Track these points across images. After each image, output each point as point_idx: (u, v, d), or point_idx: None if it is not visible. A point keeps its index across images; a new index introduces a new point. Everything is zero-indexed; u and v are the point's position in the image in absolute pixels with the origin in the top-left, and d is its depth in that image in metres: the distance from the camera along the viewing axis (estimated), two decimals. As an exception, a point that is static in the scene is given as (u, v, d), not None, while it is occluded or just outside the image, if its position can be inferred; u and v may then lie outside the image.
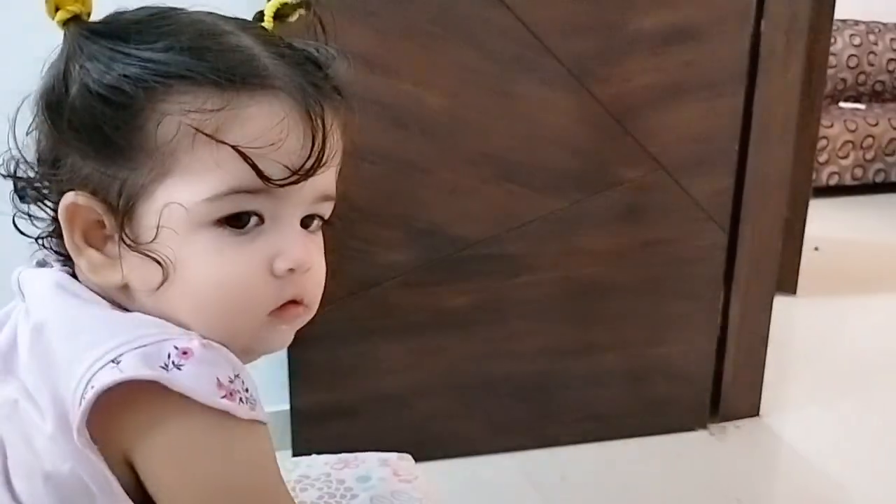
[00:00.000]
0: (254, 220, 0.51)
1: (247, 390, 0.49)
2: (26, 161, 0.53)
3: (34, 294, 0.52)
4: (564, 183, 1.48)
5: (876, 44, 4.23)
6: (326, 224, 0.57)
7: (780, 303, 1.77)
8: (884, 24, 4.26)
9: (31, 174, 0.53)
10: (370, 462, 0.74)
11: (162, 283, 0.50)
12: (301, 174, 0.49)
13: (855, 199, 3.82)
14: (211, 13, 0.53)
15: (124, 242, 0.50)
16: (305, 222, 0.54)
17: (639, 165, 1.50)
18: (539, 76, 1.42)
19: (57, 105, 0.49)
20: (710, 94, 1.51)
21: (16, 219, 0.54)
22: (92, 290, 0.52)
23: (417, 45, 1.36)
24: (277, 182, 0.49)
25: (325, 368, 1.44)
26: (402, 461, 0.75)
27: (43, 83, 0.50)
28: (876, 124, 3.83)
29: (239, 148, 0.47)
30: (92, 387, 0.45)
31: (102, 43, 0.49)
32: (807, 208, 2.42)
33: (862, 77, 4.24)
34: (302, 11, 0.58)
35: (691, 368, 1.68)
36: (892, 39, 4.27)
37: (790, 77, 1.56)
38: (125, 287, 0.51)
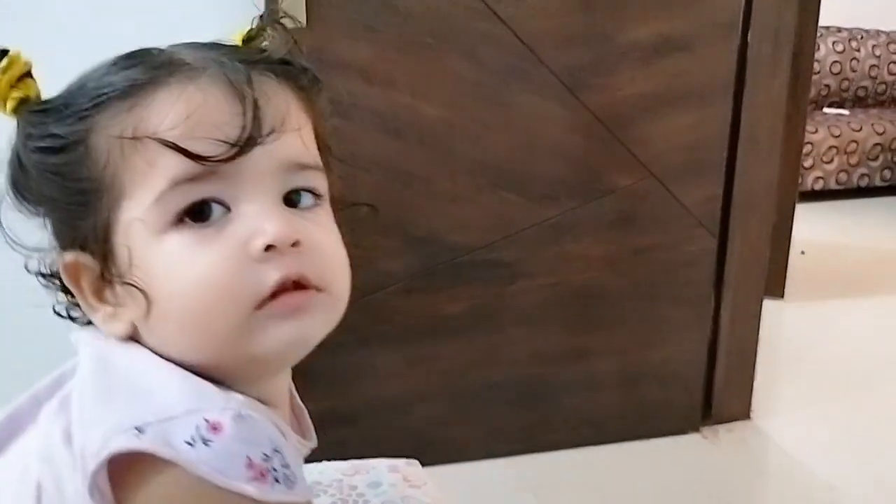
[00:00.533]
0: (217, 209, 0.47)
1: (286, 467, 0.46)
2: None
3: (81, 354, 0.52)
4: (558, 191, 1.51)
5: (858, 50, 4.29)
6: (340, 205, 0.53)
7: (768, 306, 1.80)
8: (866, 31, 4.32)
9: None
10: (380, 468, 0.76)
11: (148, 309, 0.48)
12: (235, 144, 0.46)
13: (839, 204, 3.87)
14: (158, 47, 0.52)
15: (107, 280, 0.49)
16: (291, 199, 0.50)
17: (630, 173, 1.53)
18: (533, 87, 1.44)
19: (19, 182, 0.50)
20: (699, 104, 1.54)
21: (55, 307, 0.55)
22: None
23: (414, 58, 1.38)
24: (212, 158, 0.45)
25: (323, 375, 1.45)
26: (410, 467, 0.77)
27: (5, 174, 0.50)
28: (860, 129, 3.89)
29: (156, 136, 0.46)
30: (108, 447, 0.44)
31: (38, 111, 0.50)
32: (793, 213, 2.46)
33: (845, 83, 4.30)
34: (270, 32, 0.55)
35: (683, 372, 1.71)
36: (874, 46, 4.34)
37: (777, 86, 1.60)
38: (135, 332, 0.50)
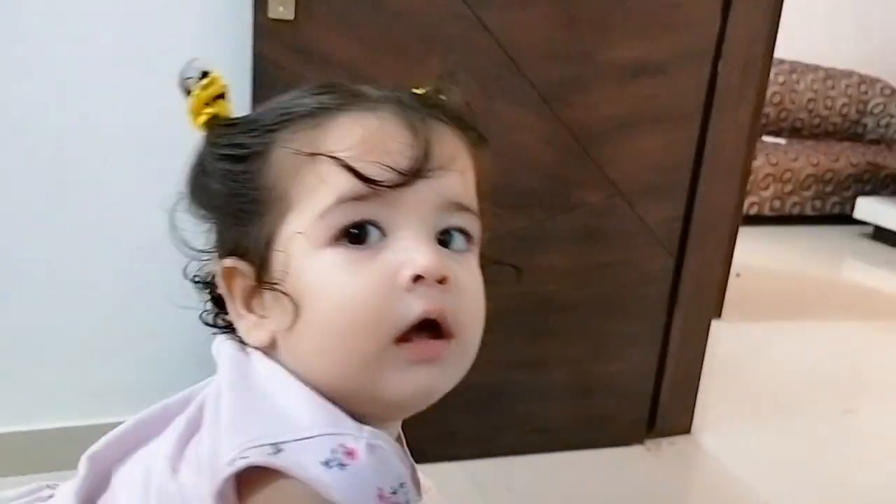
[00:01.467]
0: (374, 233, 0.49)
1: (407, 502, 0.47)
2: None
3: (220, 364, 0.53)
4: (528, 202, 1.53)
5: (798, 82, 4.48)
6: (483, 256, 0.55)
7: (711, 326, 1.87)
8: (806, 65, 4.51)
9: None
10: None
11: (294, 320, 0.49)
12: (404, 172, 0.48)
13: (773, 230, 4.02)
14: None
15: (262, 286, 0.51)
16: (445, 239, 0.51)
17: (598, 190, 1.57)
18: (512, 97, 1.46)
19: (199, 187, 0.53)
20: (668, 127, 1.59)
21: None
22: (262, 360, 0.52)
23: (399, 59, 1.39)
24: (380, 182, 0.47)
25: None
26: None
27: (187, 179, 0.54)
28: (796, 159, 4.05)
29: (333, 154, 0.48)
30: (244, 458, 0.45)
31: (226, 128, 0.53)
32: (736, 237, 2.55)
33: (784, 113, 4.48)
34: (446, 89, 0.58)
35: (633, 386, 1.75)
36: (812, 80, 4.52)
37: (741, 116, 1.66)
38: (273, 346, 0.52)
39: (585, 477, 1.66)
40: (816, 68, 4.55)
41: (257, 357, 0.52)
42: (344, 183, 0.48)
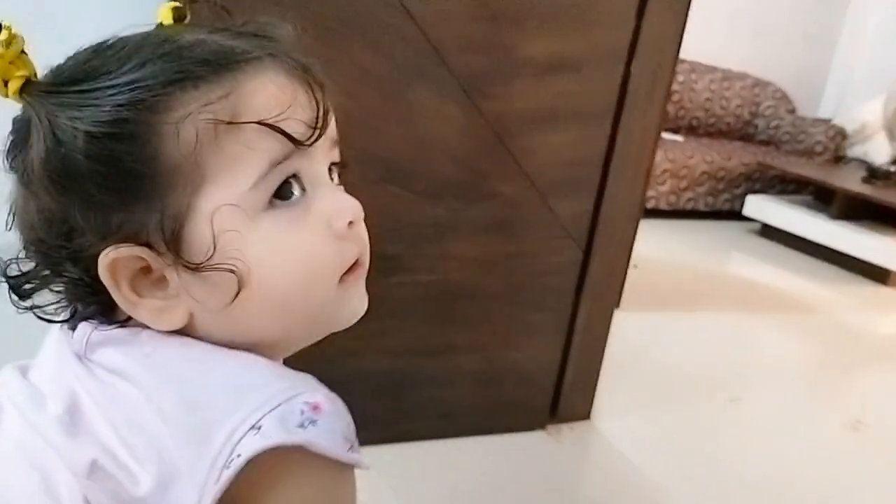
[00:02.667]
0: (297, 189, 0.51)
1: (356, 437, 0.51)
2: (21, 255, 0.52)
3: (115, 362, 0.50)
4: (445, 191, 1.55)
5: (696, 82, 4.66)
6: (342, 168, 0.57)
7: (615, 317, 1.94)
8: (704, 65, 4.70)
9: (34, 262, 0.51)
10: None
11: (237, 294, 0.49)
12: (320, 126, 0.50)
13: (668, 223, 4.19)
14: (136, 32, 0.51)
15: (187, 269, 0.48)
16: (330, 175, 0.54)
17: (513, 182, 1.60)
18: (433, 87, 1.47)
19: (64, 170, 0.46)
20: (581, 123, 1.64)
21: (37, 311, 0.52)
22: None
23: (319, 42, 1.36)
24: (308, 141, 0.50)
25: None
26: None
27: (31, 159, 0.47)
28: (692, 157, 4.22)
29: (264, 121, 0.48)
30: (238, 455, 0.46)
31: (71, 91, 0.46)
32: (637, 229, 2.64)
33: (682, 112, 4.65)
34: (196, 6, 0.57)
35: (537, 374, 1.80)
36: (710, 80, 4.71)
37: (650, 116, 1.72)
38: (188, 324, 0.51)
39: (489, 461, 1.70)
40: (714, 69, 4.75)
41: (166, 344, 0.51)
42: (275, 147, 0.49)
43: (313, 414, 0.48)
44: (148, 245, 0.49)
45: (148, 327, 0.51)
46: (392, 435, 1.66)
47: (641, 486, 1.71)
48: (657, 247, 3.61)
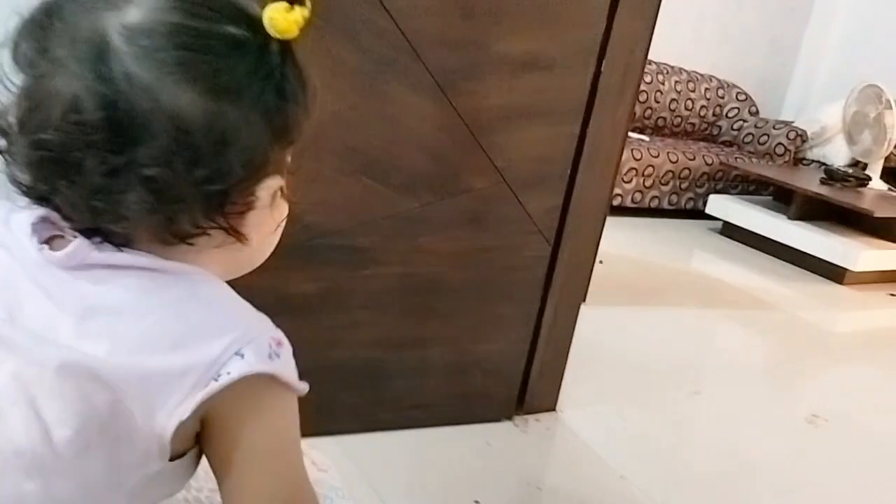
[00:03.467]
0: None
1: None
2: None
3: (110, 285, 0.57)
4: (418, 184, 1.57)
5: (663, 83, 4.73)
6: None
7: (581, 311, 1.99)
8: (671, 67, 4.77)
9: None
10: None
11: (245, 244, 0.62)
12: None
13: (633, 220, 4.25)
14: None
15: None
16: None
17: (485, 177, 1.63)
18: (408, 81, 1.49)
19: (280, 105, 0.58)
20: (553, 121, 1.67)
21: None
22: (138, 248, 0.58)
23: (298, 35, 1.38)
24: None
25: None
26: (313, 450, 0.80)
27: (272, 102, 0.57)
28: (657, 156, 4.29)
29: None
30: (228, 373, 0.55)
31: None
32: (603, 225, 2.69)
33: (648, 112, 4.72)
34: None
35: (505, 366, 1.84)
36: (676, 82, 4.79)
37: (620, 113, 1.76)
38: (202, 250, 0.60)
39: (457, 451, 1.73)
40: (681, 71, 4.83)
41: (156, 261, 0.58)
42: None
43: (278, 348, 0.58)
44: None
45: (134, 253, 0.58)
46: (365, 425, 1.68)
47: (605, 476, 1.76)
48: (622, 243, 3.67)
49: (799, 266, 3.88)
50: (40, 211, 0.58)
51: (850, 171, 4.27)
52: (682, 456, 1.92)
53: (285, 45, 0.56)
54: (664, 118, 4.82)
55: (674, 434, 2.03)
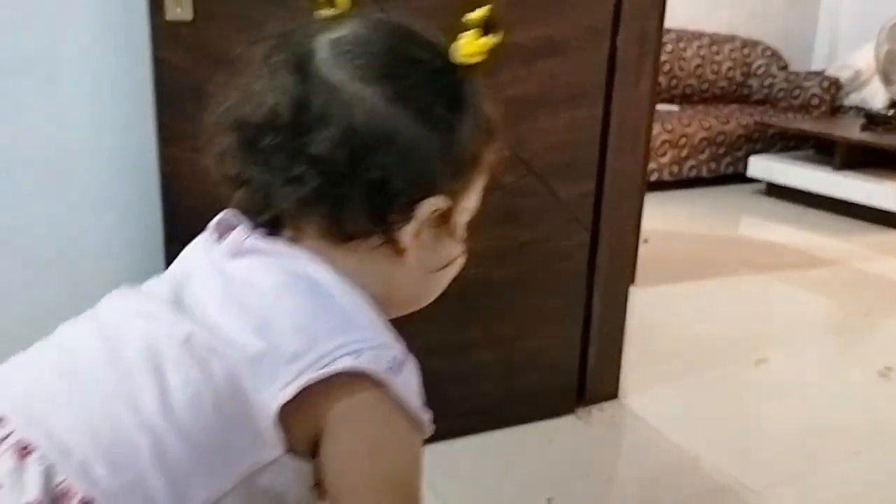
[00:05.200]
0: None
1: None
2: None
3: (256, 266, 0.61)
4: (445, 188, 1.55)
5: (685, 50, 4.64)
6: None
7: (631, 293, 1.94)
8: (690, 32, 4.68)
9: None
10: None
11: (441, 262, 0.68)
12: None
13: (673, 194, 4.17)
14: None
15: (446, 226, 0.65)
16: None
17: (512, 171, 1.59)
18: (421, 86, 1.47)
19: (466, 117, 0.63)
20: (573, 104, 1.63)
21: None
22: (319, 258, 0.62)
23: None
24: None
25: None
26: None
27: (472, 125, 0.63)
28: (689, 125, 4.20)
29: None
30: (335, 360, 0.56)
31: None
32: (643, 204, 2.63)
33: (674, 81, 4.63)
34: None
35: (560, 359, 1.80)
36: (698, 47, 4.69)
37: (642, 87, 1.71)
38: (378, 261, 0.63)
39: (522, 452, 1.70)
40: (701, 35, 4.73)
41: (308, 259, 0.61)
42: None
43: (398, 366, 0.58)
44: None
45: (292, 246, 0.63)
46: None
47: (678, 459, 1.71)
48: (665, 219, 3.60)
49: (849, 217, 3.76)
50: (224, 213, 0.66)
51: (891, 112, 4.13)
52: (754, 428, 1.86)
53: (467, 70, 0.62)
54: (691, 85, 4.72)
55: (743, 407, 1.97)
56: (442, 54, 0.63)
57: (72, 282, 1.42)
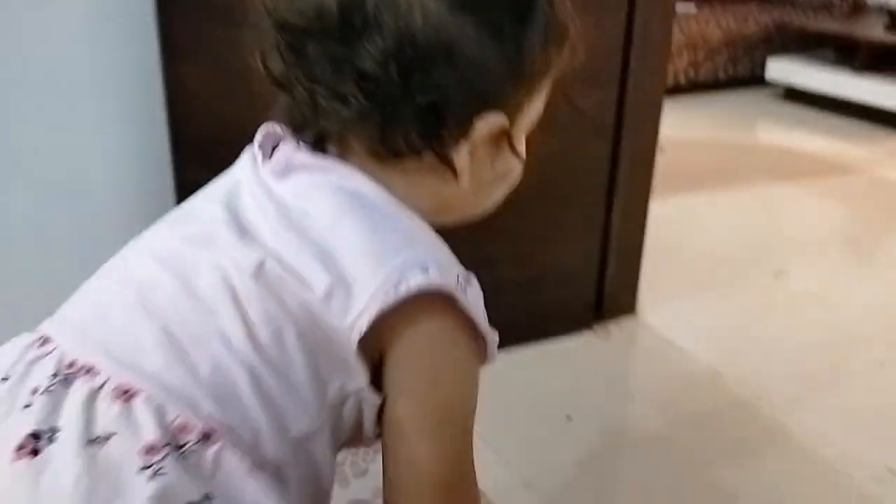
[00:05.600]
0: None
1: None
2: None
3: (304, 185, 0.59)
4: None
5: (702, -53, 4.43)
6: None
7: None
8: (709, -73, 4.46)
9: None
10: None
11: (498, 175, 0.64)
12: None
13: (688, 99, 4.05)
14: None
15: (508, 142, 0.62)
16: None
17: (532, 81, 1.52)
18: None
19: (524, 49, 0.58)
20: (596, 9, 1.54)
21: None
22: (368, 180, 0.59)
23: None
24: None
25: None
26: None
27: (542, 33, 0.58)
28: (707, 25, 4.05)
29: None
30: (404, 277, 0.53)
31: None
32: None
33: (691, -20, 4.44)
34: None
35: (577, 274, 1.77)
36: (717, -57, 4.48)
37: (667, -10, 1.62)
38: (425, 177, 0.61)
39: (540, 369, 1.69)
40: (719, -70, 4.51)
41: (359, 176, 0.58)
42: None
43: (465, 283, 0.57)
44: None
45: (341, 163, 0.60)
46: (441, 355, 1.65)
47: (698, 375, 1.69)
48: (680, 126, 3.50)
49: (871, 121, 3.65)
50: (266, 127, 0.63)
51: (918, 10, 3.96)
52: (774, 341, 1.84)
53: None
54: (709, -16, 4.53)
55: (763, 320, 1.94)
56: None
57: (80, 204, 1.38)
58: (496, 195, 0.66)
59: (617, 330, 1.84)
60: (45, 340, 0.56)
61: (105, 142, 1.37)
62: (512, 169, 0.64)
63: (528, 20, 0.56)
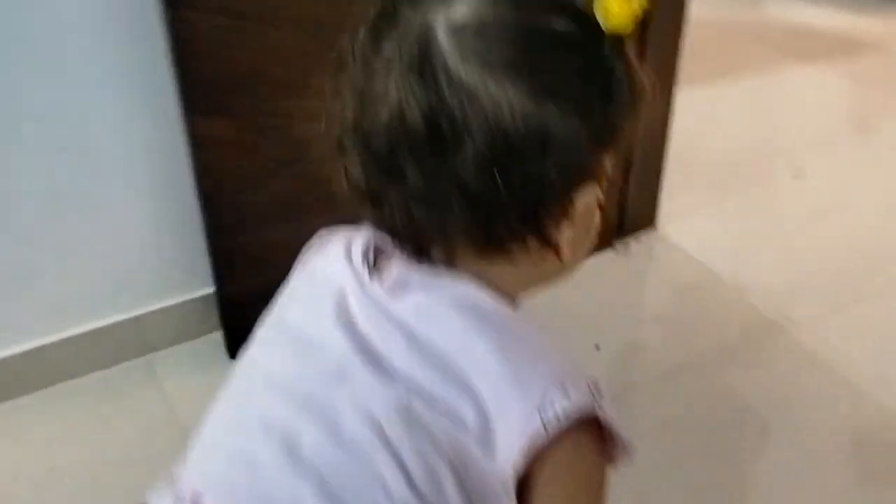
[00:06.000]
0: None
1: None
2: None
3: (423, 306, 0.57)
4: None
5: None
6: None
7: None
8: None
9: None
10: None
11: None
12: None
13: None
14: None
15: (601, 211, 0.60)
16: None
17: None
18: None
19: (609, 119, 0.55)
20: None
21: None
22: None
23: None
24: None
25: (251, 252, 1.35)
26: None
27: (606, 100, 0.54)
28: None
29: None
30: (553, 406, 0.52)
31: None
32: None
33: None
34: None
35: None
36: None
37: None
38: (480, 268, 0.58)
39: (563, 293, 1.64)
40: None
41: (473, 286, 0.58)
42: None
43: (597, 393, 0.55)
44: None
45: (452, 273, 0.58)
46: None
47: (719, 287, 1.67)
48: (695, 6, 3.33)
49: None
50: (368, 236, 0.61)
51: None
52: (798, 253, 1.79)
53: (616, 41, 0.53)
54: None
55: (783, 231, 1.88)
56: (583, 17, 0.52)
57: (87, 163, 1.31)
58: (586, 254, 0.64)
59: (637, 246, 1.80)
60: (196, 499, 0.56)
61: (111, 96, 1.29)
62: (598, 223, 0.62)
63: (612, 92, 0.54)
